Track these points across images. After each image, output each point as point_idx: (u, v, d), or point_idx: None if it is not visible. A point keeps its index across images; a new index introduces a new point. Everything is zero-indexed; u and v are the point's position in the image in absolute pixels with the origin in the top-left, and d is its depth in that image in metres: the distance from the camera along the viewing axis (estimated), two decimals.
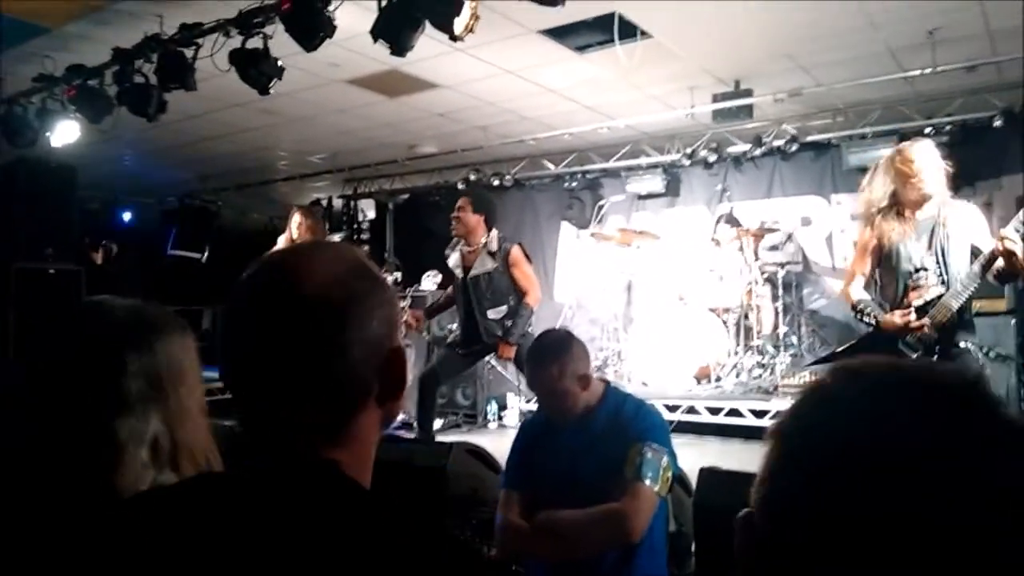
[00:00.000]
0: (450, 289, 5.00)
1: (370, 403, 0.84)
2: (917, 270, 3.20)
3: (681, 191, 8.35)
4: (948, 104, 6.72)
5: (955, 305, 3.08)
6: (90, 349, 1.01)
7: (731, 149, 7.82)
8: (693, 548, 2.55)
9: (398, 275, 9.03)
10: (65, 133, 5.84)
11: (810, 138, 7.43)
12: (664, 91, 6.73)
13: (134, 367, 1.01)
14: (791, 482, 0.56)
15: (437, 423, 6.23)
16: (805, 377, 6.29)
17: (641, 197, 8.42)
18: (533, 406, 4.36)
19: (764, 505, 0.58)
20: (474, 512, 2.87)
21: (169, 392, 1.04)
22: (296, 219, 5.48)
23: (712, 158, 7.82)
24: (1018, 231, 2.90)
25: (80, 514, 0.86)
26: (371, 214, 10.93)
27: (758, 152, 7.63)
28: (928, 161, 3.16)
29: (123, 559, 0.71)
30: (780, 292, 6.78)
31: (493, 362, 6.52)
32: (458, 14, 4.01)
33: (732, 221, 7.25)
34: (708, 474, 2.60)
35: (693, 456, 4.22)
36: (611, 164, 8.54)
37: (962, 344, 3.16)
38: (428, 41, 4.41)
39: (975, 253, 3.11)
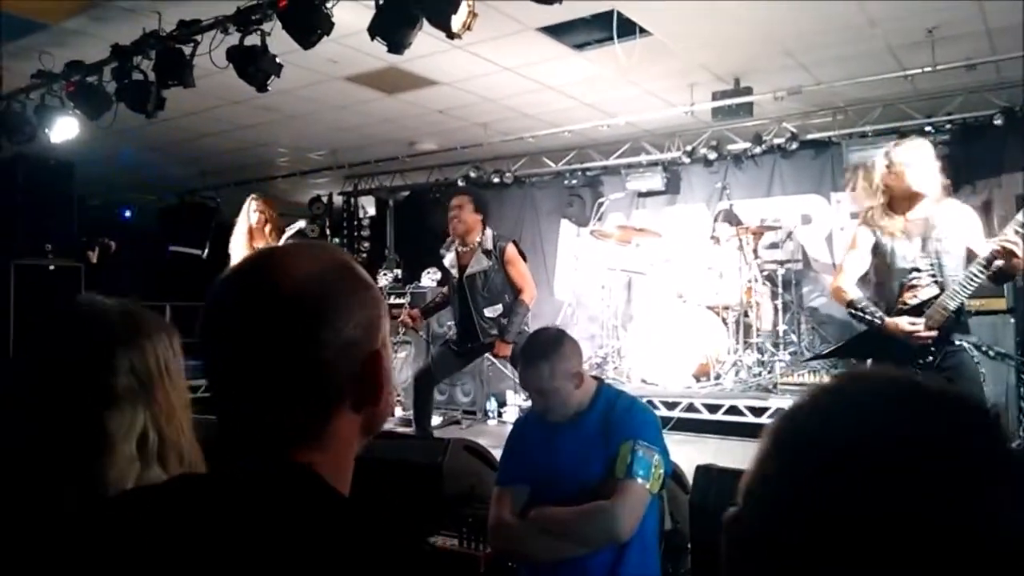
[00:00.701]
0: (446, 288, 5.00)
1: (346, 407, 0.83)
2: (911, 270, 3.20)
3: (681, 189, 8.36)
4: (948, 102, 6.71)
5: (952, 305, 3.08)
6: (82, 346, 1.05)
7: (731, 147, 7.82)
8: (689, 546, 2.56)
9: (398, 272, 9.04)
10: (64, 130, 5.85)
11: (810, 136, 7.43)
12: (664, 88, 6.73)
13: (123, 364, 1.05)
14: (791, 483, 0.56)
15: (436, 420, 6.24)
16: (804, 375, 6.30)
17: (641, 195, 8.43)
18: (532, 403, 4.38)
19: (760, 505, 0.58)
20: (470, 509, 2.87)
21: (156, 389, 1.08)
22: (252, 206, 5.34)
23: (712, 156, 7.82)
24: (1018, 232, 2.90)
25: (70, 508, 0.89)
26: (371, 211, 10.95)
27: (758, 150, 7.63)
28: (917, 159, 3.16)
29: (93, 558, 0.72)
30: (780, 290, 6.78)
31: (492, 359, 6.53)
32: (456, 11, 4.02)
33: (731, 218, 7.25)
34: (704, 472, 2.60)
35: (691, 454, 4.23)
36: (611, 161, 8.54)
37: (958, 343, 3.15)
38: (427, 38, 4.41)
39: (970, 255, 3.11)
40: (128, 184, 10.53)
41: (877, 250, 3.29)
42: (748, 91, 6.44)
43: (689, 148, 7.92)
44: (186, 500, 0.75)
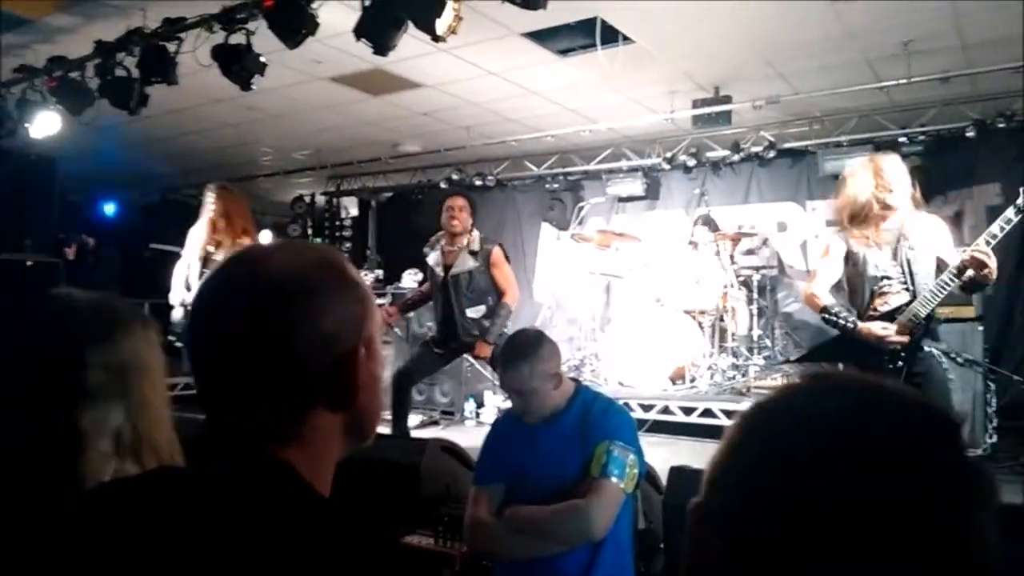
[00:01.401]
0: (426, 285, 5.02)
1: (324, 405, 0.82)
2: (882, 278, 3.29)
3: (660, 194, 8.44)
4: (922, 114, 6.83)
5: (923, 312, 3.17)
6: (52, 341, 1.03)
7: (710, 154, 7.92)
8: (662, 545, 2.61)
9: (380, 272, 9.04)
10: (45, 125, 5.81)
11: (787, 145, 7.54)
12: (645, 95, 6.80)
13: (95, 359, 1.03)
14: (772, 477, 0.55)
15: (415, 420, 6.25)
16: (777, 379, 6.39)
17: (621, 199, 8.51)
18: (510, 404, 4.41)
19: (727, 494, 0.59)
20: (447, 509, 2.90)
21: (131, 384, 1.06)
22: (209, 196, 5.03)
23: (691, 163, 7.92)
24: (989, 243, 3.00)
25: (45, 503, 0.87)
26: (354, 211, 10.93)
27: (736, 158, 7.74)
28: (897, 175, 3.25)
29: (67, 551, 0.73)
30: (755, 295, 6.87)
31: (471, 360, 6.56)
32: (440, 15, 4.05)
33: (709, 223, 7.34)
34: (678, 473, 2.66)
35: (666, 455, 4.29)
36: (592, 166, 8.61)
37: (927, 349, 3.24)
38: (412, 40, 4.44)
39: (940, 265, 3.20)
40: (110, 181, 10.45)
41: (849, 258, 3.38)
42: (727, 100, 6.53)
43: (669, 155, 8.00)
44: (160, 494, 0.75)
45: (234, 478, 0.76)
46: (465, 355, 5.43)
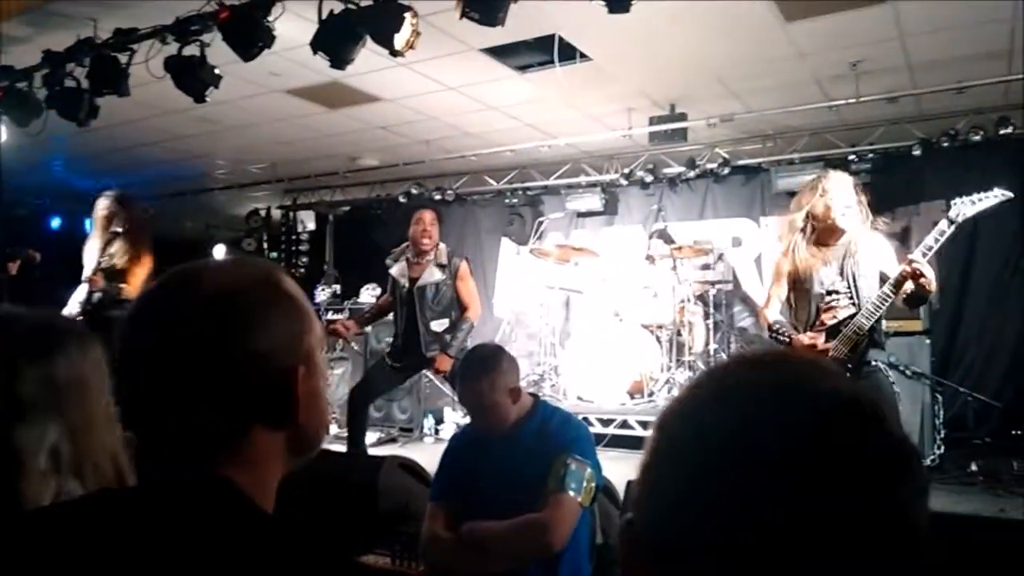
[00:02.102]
0: (384, 298, 4.98)
1: (264, 422, 0.81)
2: (829, 293, 3.39)
3: (619, 210, 8.53)
4: (871, 133, 7.02)
5: (866, 324, 3.25)
6: None
7: (666, 171, 8.02)
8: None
9: (337, 288, 8.95)
10: None
11: (741, 162, 7.68)
12: (603, 112, 6.88)
13: (32, 375, 1.01)
14: (703, 486, 0.54)
15: (373, 437, 6.19)
16: None
17: (580, 215, 8.57)
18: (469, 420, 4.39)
19: (658, 506, 0.57)
20: (405, 526, 2.87)
21: (69, 401, 1.04)
22: (100, 203, 4.74)
23: (648, 179, 8.02)
24: (925, 254, 3.09)
25: None
26: (311, 225, 10.81)
27: (692, 174, 7.85)
28: (844, 192, 3.35)
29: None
30: (711, 310, 6.97)
31: (430, 375, 6.52)
32: (399, 30, 4.05)
33: (665, 237, 7.42)
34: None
35: (624, 469, 4.27)
36: (551, 181, 8.66)
37: (873, 362, 3.32)
38: (370, 55, 4.43)
39: (883, 279, 3.30)
40: (58, 194, 10.20)
41: (795, 276, 3.48)
42: (683, 117, 6.64)
43: (627, 170, 8.09)
44: (101, 516, 0.74)
45: (176, 497, 0.75)
46: (424, 371, 5.39)
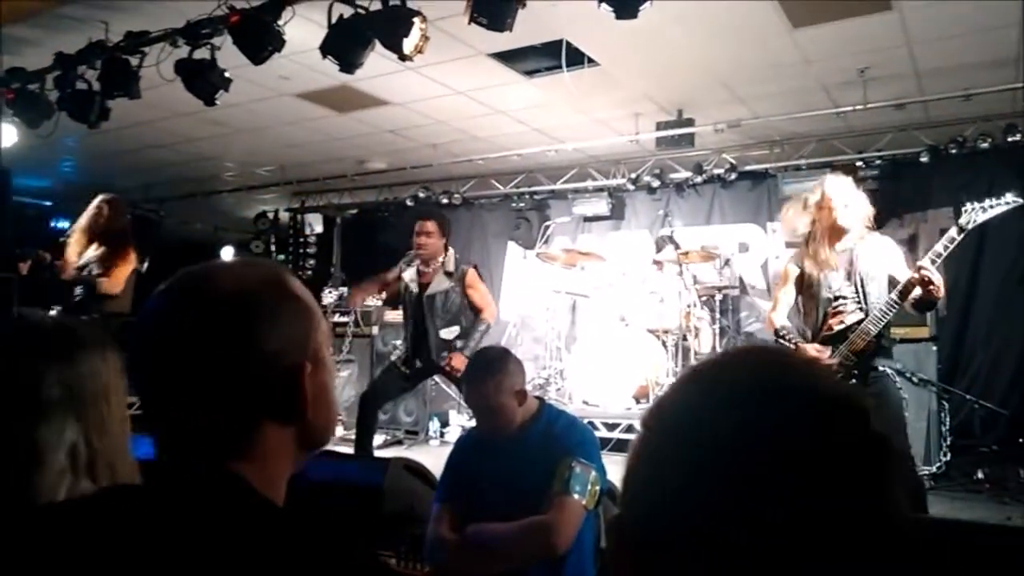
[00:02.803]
0: (391, 274, 4.88)
1: (274, 418, 0.83)
2: (837, 298, 3.38)
3: (625, 215, 8.53)
4: (878, 139, 7.01)
5: (874, 330, 3.25)
6: (10, 356, 1.07)
7: (673, 176, 8.02)
8: None
9: (344, 290, 8.96)
10: (1, 136, 5.70)
11: (748, 168, 7.67)
12: (610, 117, 6.89)
13: (53, 376, 1.06)
14: (695, 482, 0.54)
15: (378, 440, 6.19)
16: None
17: (587, 219, 8.57)
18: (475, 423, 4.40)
19: (648, 504, 0.57)
20: (410, 528, 2.88)
21: (88, 403, 1.08)
22: (93, 203, 5.08)
23: (655, 184, 8.02)
24: (934, 261, 3.09)
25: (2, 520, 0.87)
26: (318, 228, 10.83)
27: (699, 179, 7.85)
28: (844, 196, 3.35)
29: (22, 570, 0.73)
30: (718, 315, 6.96)
31: (436, 379, 6.53)
32: (408, 34, 4.08)
33: (672, 244, 7.43)
34: None
35: None
36: (558, 186, 8.67)
37: (881, 369, 3.32)
38: (379, 59, 4.46)
39: (892, 283, 3.29)
40: (68, 194, 10.25)
41: (803, 281, 3.48)
42: (690, 122, 6.64)
43: (633, 175, 8.10)
44: (114, 510, 0.76)
45: (189, 492, 0.77)
46: (434, 376, 5.38)
